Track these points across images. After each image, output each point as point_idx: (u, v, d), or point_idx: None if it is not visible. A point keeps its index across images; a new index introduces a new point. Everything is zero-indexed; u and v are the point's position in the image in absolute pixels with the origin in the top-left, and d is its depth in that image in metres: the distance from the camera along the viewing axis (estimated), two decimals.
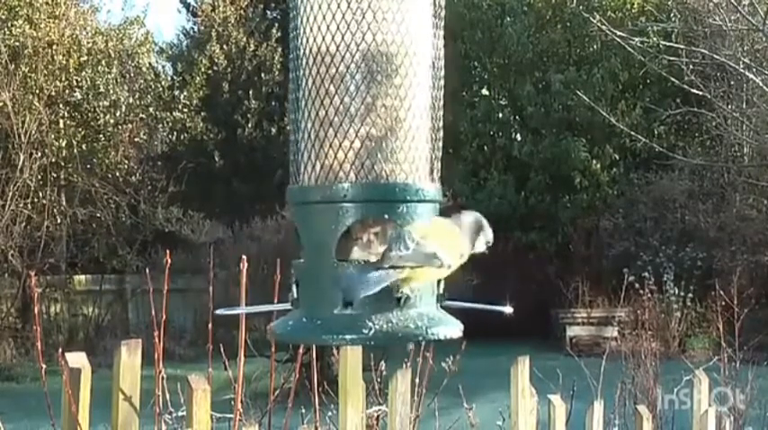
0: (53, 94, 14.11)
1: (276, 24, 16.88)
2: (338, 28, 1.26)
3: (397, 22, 1.27)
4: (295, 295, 1.28)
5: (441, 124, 1.33)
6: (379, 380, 2.99)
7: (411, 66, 1.28)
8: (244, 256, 2.37)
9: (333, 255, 1.25)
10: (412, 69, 1.29)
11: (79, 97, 14.56)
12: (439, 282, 1.30)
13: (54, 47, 14.18)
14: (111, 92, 14.89)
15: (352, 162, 1.26)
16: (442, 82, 1.33)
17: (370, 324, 1.22)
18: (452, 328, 1.28)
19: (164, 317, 2.28)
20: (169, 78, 17.06)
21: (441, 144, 1.33)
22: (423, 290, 1.26)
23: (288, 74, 1.38)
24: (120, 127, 14.98)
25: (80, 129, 14.54)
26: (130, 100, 15.41)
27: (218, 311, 1.42)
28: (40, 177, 13.79)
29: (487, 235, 1.30)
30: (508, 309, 1.32)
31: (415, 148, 1.29)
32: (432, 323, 1.26)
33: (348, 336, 1.25)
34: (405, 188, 1.26)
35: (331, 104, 1.27)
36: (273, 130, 16.24)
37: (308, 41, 1.29)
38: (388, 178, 1.26)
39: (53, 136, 13.98)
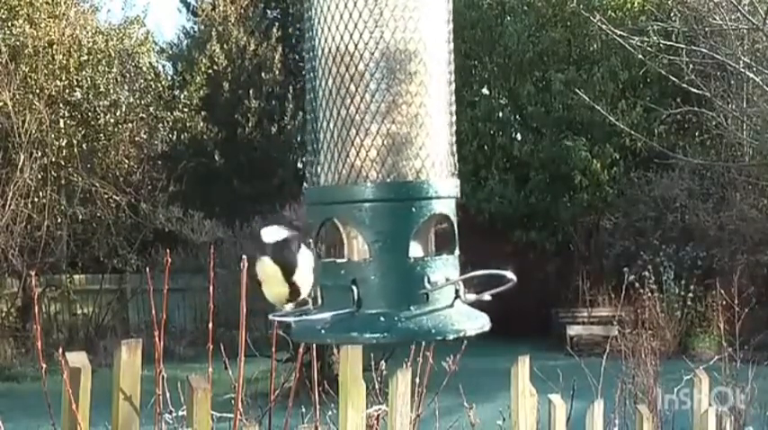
0: (53, 93, 14.10)
1: (276, 24, 16.84)
2: (356, 27, 1.25)
3: (415, 20, 1.26)
4: (357, 296, 1.26)
5: (454, 119, 1.32)
6: (379, 379, 2.98)
7: (430, 63, 1.28)
8: (244, 256, 2.37)
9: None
10: (431, 66, 1.28)
11: (79, 97, 14.55)
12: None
13: (54, 46, 14.18)
14: (112, 91, 14.89)
15: (373, 160, 1.25)
16: (453, 77, 1.33)
17: (400, 324, 1.23)
18: (484, 321, 1.29)
19: (164, 316, 2.27)
20: (169, 78, 17.05)
21: (454, 139, 1.32)
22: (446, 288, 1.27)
23: (288, 73, 1.37)
24: (120, 126, 14.97)
25: (80, 129, 14.54)
26: (131, 99, 15.41)
27: (272, 316, 1.38)
28: (40, 177, 13.78)
29: None
30: (510, 275, 1.31)
31: (436, 144, 1.28)
32: (469, 317, 1.28)
33: (373, 335, 1.26)
34: (427, 185, 1.26)
35: (352, 103, 1.25)
36: (274, 130, 16.19)
37: (326, 41, 1.28)
38: (410, 176, 1.25)
39: (53, 135, 13.96)
